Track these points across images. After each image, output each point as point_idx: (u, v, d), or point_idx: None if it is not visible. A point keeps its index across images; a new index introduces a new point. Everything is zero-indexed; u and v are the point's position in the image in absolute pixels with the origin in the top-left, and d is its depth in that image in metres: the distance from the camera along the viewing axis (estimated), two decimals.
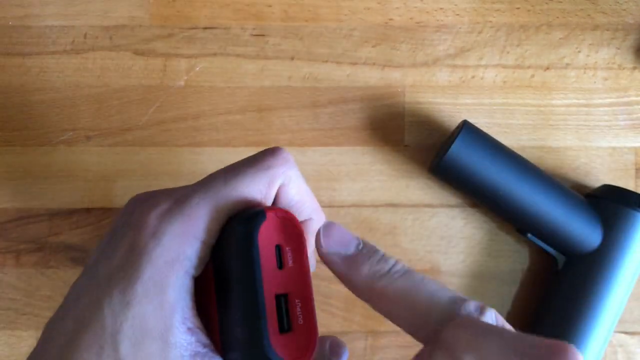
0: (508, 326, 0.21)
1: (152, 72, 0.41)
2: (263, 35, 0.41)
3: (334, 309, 0.40)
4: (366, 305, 0.43)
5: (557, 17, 0.42)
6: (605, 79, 0.41)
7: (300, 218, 0.26)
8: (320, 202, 0.41)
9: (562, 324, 0.37)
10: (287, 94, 0.41)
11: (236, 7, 0.42)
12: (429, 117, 0.41)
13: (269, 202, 0.24)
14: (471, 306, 0.20)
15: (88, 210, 0.41)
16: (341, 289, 0.41)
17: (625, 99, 0.41)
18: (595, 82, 0.41)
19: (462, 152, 0.37)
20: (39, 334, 0.41)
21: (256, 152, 0.42)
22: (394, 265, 0.22)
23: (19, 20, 0.41)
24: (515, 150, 0.39)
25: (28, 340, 0.40)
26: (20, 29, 0.41)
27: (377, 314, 0.42)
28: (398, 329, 0.41)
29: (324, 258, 0.23)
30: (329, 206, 0.41)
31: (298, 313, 0.23)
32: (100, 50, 0.41)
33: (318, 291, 0.40)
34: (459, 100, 0.41)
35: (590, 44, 0.42)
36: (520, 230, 0.39)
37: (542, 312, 0.39)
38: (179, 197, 0.23)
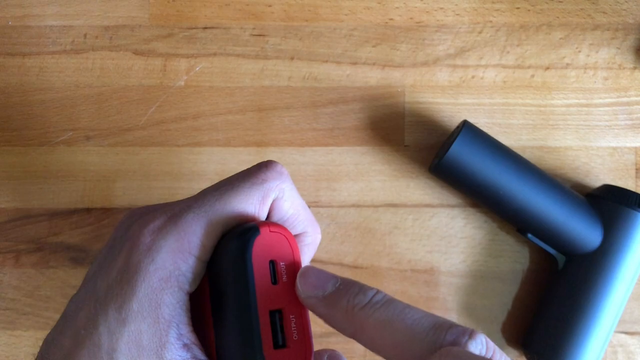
0: (498, 353, 0.20)
1: (152, 72, 0.41)
2: (263, 35, 0.41)
3: None
4: None
5: (558, 17, 0.42)
6: (606, 79, 0.41)
7: (294, 231, 0.26)
8: (320, 202, 0.41)
9: (562, 324, 0.37)
10: (287, 94, 0.41)
11: (236, 7, 0.42)
12: (429, 117, 0.41)
13: (263, 217, 0.24)
14: (457, 332, 0.19)
15: (88, 210, 0.41)
16: None
17: (626, 99, 0.41)
18: (595, 82, 0.41)
19: (462, 152, 0.37)
20: (39, 334, 0.41)
21: (256, 152, 0.42)
22: (373, 296, 0.21)
23: (19, 20, 0.41)
24: (515, 150, 0.39)
25: (28, 340, 0.40)
26: (20, 29, 0.41)
27: None
28: None
29: (304, 302, 0.22)
30: (329, 206, 0.41)
31: (293, 329, 0.23)
32: (100, 50, 0.41)
33: None
34: (459, 100, 0.41)
35: (590, 44, 0.42)
36: (520, 230, 0.39)
37: (542, 312, 0.39)
38: (173, 213, 0.23)
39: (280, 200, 0.25)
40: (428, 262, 0.41)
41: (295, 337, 0.22)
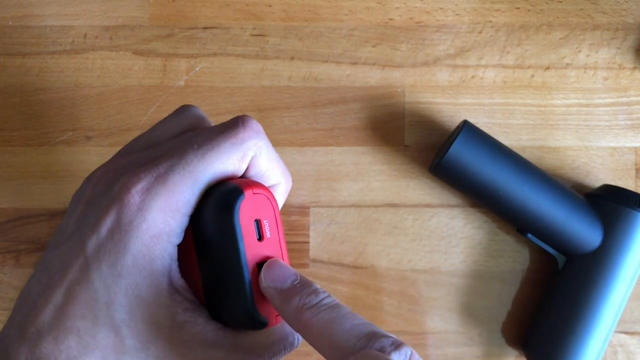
0: None
1: (152, 72, 0.41)
2: (263, 35, 0.41)
3: None
4: (366, 306, 0.43)
5: (557, 17, 0.42)
6: (606, 79, 0.41)
7: (269, 183, 0.28)
8: (320, 202, 0.41)
9: (562, 324, 0.37)
10: (287, 94, 0.41)
11: (236, 7, 0.42)
12: (429, 117, 0.41)
13: (242, 172, 0.26)
14: (385, 342, 0.21)
15: None
16: (341, 289, 0.41)
17: (625, 99, 0.41)
18: (595, 82, 0.41)
19: (462, 152, 0.37)
20: None
21: None
22: (323, 299, 0.23)
23: (19, 20, 0.41)
24: (515, 150, 0.39)
25: None
26: (20, 29, 0.41)
27: (379, 315, 0.42)
28: (399, 329, 0.42)
29: (263, 291, 0.24)
30: (329, 206, 0.41)
31: None
32: (100, 50, 0.41)
33: None
34: (459, 100, 0.41)
35: (590, 44, 0.42)
36: (520, 230, 0.39)
37: (542, 312, 0.39)
38: (159, 173, 0.24)
39: (257, 157, 0.26)
40: (428, 262, 0.41)
41: None
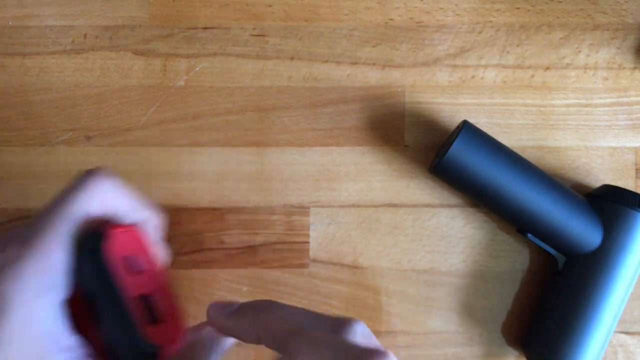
0: (373, 340, 0.23)
1: (152, 72, 0.41)
2: (263, 35, 0.41)
3: (334, 309, 0.40)
4: (366, 306, 0.43)
5: (557, 17, 0.42)
6: (606, 79, 0.41)
7: (134, 220, 0.29)
8: (320, 202, 0.41)
9: (562, 324, 0.37)
10: (287, 94, 0.41)
11: (236, 7, 0.42)
12: (429, 117, 0.41)
13: (101, 213, 0.27)
14: (337, 322, 0.23)
15: None
16: (341, 288, 0.41)
17: (625, 99, 0.41)
18: (595, 82, 0.41)
19: (462, 152, 0.37)
20: None
21: (256, 152, 0.42)
22: (275, 301, 0.25)
23: (19, 20, 0.41)
24: (515, 150, 0.39)
25: None
26: (20, 29, 0.41)
27: (379, 315, 0.42)
28: (399, 329, 0.41)
29: (211, 323, 0.26)
30: (329, 206, 0.41)
31: (162, 307, 0.27)
32: (100, 50, 0.41)
33: (318, 291, 0.40)
34: (459, 100, 0.41)
35: (590, 44, 0.42)
36: (520, 230, 0.39)
37: (542, 312, 0.39)
38: (25, 238, 0.25)
39: (114, 199, 0.27)
40: (428, 262, 0.41)
41: (167, 311, 0.27)
